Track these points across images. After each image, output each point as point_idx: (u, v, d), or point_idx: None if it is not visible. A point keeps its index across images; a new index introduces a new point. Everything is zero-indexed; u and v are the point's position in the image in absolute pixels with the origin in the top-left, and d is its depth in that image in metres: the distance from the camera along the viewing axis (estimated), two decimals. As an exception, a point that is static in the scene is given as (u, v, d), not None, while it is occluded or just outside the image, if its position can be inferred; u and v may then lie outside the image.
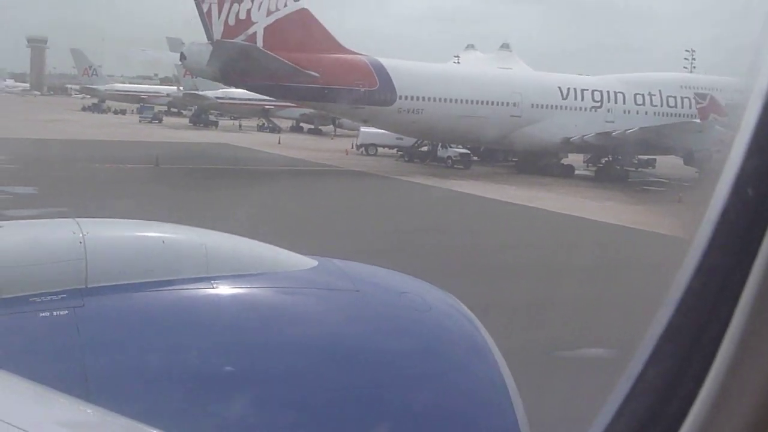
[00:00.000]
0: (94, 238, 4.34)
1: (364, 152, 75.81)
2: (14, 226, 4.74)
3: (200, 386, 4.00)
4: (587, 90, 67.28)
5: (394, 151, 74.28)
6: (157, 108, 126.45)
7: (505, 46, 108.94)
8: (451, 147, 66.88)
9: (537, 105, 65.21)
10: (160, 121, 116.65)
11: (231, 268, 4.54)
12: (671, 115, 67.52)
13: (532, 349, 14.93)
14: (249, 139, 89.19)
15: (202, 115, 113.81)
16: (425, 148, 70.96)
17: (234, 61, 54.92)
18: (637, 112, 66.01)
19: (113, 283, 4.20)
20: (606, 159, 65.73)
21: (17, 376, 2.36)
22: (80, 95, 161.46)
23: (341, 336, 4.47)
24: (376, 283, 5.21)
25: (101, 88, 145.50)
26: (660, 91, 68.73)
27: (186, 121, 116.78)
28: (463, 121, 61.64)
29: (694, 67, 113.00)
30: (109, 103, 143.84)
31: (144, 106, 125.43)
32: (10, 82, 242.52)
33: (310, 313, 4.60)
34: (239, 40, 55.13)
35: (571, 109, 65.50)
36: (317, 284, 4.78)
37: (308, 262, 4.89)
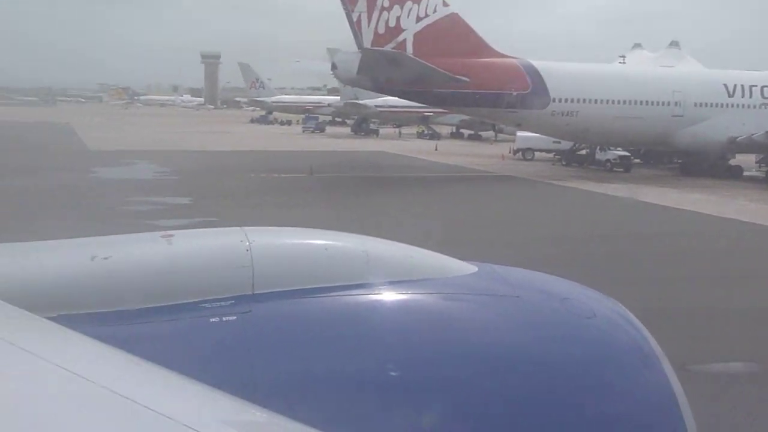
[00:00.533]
0: (259, 246, 4.50)
1: (521, 157, 74.51)
2: (184, 235, 4.82)
3: (364, 392, 4.06)
4: (756, 86, 63.30)
5: (552, 155, 72.59)
6: (322, 118, 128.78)
7: (674, 44, 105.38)
8: (610, 149, 64.64)
9: (700, 104, 61.94)
10: (323, 130, 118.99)
11: (392, 274, 4.59)
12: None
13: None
14: (407, 146, 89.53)
15: (363, 124, 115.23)
16: (583, 152, 68.95)
17: (382, 69, 54.93)
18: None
19: (279, 290, 4.33)
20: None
21: (188, 378, 2.43)
22: (250, 108, 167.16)
23: (502, 343, 4.40)
24: (538, 289, 5.09)
25: (268, 100, 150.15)
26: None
27: (348, 130, 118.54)
28: (621, 123, 59.32)
29: None
30: (276, 114, 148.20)
31: (308, 116, 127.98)
32: (186, 97, 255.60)
33: (471, 319, 4.54)
34: (389, 47, 55.15)
35: (738, 107, 61.93)
36: (478, 290, 4.72)
37: (468, 267, 4.89)
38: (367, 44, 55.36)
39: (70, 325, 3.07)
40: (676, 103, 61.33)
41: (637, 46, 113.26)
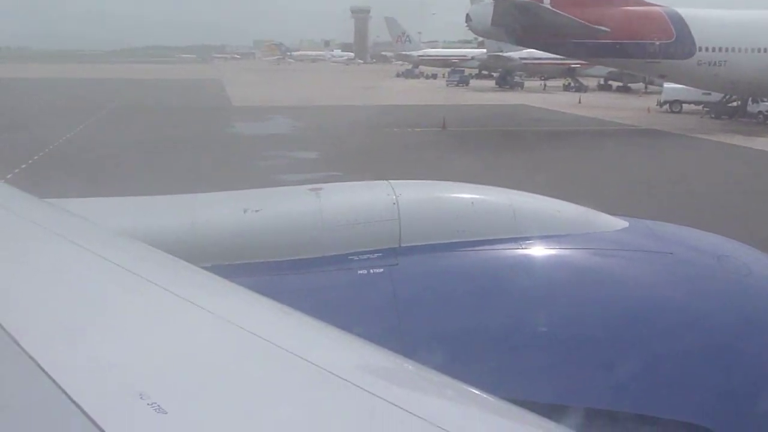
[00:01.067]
0: (406, 200, 4.51)
1: (668, 109, 71.29)
2: (332, 189, 4.88)
3: (510, 347, 4.04)
4: None
5: (701, 107, 69.07)
6: (468, 71, 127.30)
7: None
8: (763, 101, 60.87)
9: None
10: (467, 84, 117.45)
11: (540, 228, 4.52)
12: None
13: None
14: (549, 99, 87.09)
15: (507, 77, 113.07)
16: (734, 104, 65.23)
17: (516, 20, 53.36)
18: None
19: (425, 243, 4.36)
20: None
21: (337, 329, 2.46)
22: (398, 62, 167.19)
23: (654, 300, 4.30)
24: (692, 246, 4.95)
25: (414, 54, 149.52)
26: None
27: (493, 83, 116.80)
28: (775, 71, 55.49)
29: None
30: (422, 68, 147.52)
31: (453, 70, 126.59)
32: (337, 52, 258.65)
33: (622, 275, 4.47)
34: (528, -3, 53.59)
35: None
36: (629, 246, 4.62)
37: (619, 222, 4.78)
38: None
39: (223, 274, 3.12)
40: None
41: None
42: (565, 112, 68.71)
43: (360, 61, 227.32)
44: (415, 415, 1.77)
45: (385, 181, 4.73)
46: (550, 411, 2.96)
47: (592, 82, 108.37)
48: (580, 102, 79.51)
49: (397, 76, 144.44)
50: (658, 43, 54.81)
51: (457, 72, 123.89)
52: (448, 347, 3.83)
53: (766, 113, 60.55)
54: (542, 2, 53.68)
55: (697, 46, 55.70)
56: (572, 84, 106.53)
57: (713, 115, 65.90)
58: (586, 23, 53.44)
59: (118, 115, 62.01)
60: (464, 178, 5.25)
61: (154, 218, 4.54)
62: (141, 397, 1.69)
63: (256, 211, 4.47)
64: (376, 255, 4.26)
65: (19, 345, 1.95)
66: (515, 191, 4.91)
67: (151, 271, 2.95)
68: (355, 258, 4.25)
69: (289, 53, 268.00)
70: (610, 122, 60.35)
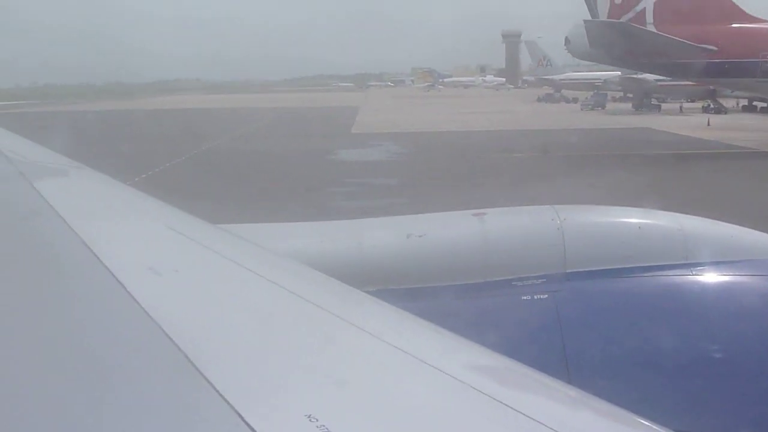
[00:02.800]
0: (571, 224, 4.49)
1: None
2: (496, 213, 4.95)
3: (678, 376, 3.93)
4: None
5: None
6: (611, 95, 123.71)
7: None
8: None
9: None
10: (603, 107, 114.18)
11: (711, 254, 4.39)
12: None
13: None
14: (678, 122, 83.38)
15: (645, 100, 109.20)
16: None
17: (612, 41, 51.49)
18: None
19: (591, 269, 4.31)
20: None
21: (502, 356, 2.51)
22: (543, 86, 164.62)
23: None
24: None
25: (556, 78, 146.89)
26: None
27: (630, 106, 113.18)
28: None
29: None
30: (565, 92, 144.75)
31: (597, 93, 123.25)
32: (489, 77, 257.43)
33: None
34: (627, 18, 51.76)
35: None
36: None
37: None
38: (603, 15, 52.40)
39: (388, 299, 3.17)
40: None
41: None
42: (687, 135, 65.34)
43: (510, 86, 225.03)
44: None
45: (549, 206, 4.73)
46: None
47: (733, 103, 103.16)
48: (709, 124, 75.87)
49: (538, 100, 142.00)
50: (769, 62, 51.57)
51: (601, 95, 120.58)
52: (612, 376, 3.81)
53: None
54: (644, 23, 51.84)
55: (816, 64, 52.00)
56: (712, 105, 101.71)
57: None
58: (688, 42, 50.99)
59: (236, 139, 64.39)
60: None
61: (320, 243, 4.64)
62: (309, 419, 1.75)
63: (420, 236, 4.52)
64: (540, 281, 4.23)
65: (193, 365, 2.01)
66: (685, 215, 4.82)
67: (320, 295, 3.02)
68: (519, 284, 4.24)
69: (441, 79, 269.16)
70: (729, 145, 57.21)
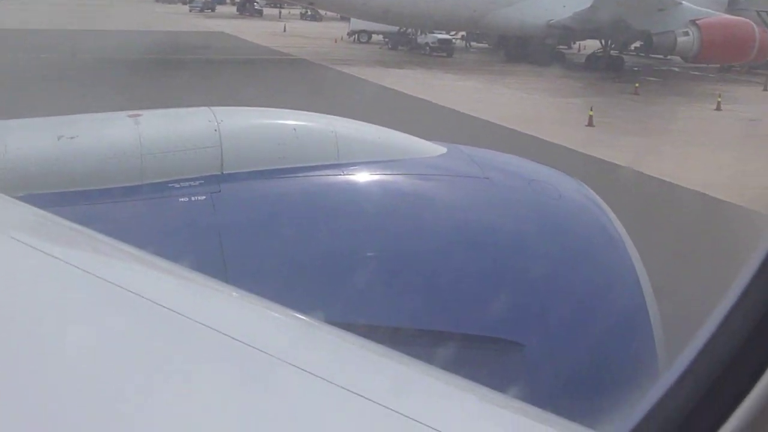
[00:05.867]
0: (228, 126, 4.47)
1: (356, 39, 70.34)
2: (153, 114, 4.77)
3: (330, 270, 4.05)
4: None
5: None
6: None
7: None
8: (432, 33, 60.68)
9: (517, -17, 57.11)
10: (213, 10, 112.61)
11: (361, 155, 4.57)
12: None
13: None
14: (263, 27, 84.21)
15: (247, 4, 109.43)
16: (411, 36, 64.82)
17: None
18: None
19: (247, 170, 4.33)
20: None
21: (159, 257, 2.43)
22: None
23: (471, 223, 4.45)
24: (506, 170, 5.13)
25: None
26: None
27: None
28: (426, 3, 54.65)
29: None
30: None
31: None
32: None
33: (440, 199, 4.55)
34: None
35: None
36: (447, 171, 4.74)
37: (438, 149, 4.89)
38: None
39: (38, 203, 3.06)
40: (490, -18, 56.52)
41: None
42: (247, 40, 65.95)
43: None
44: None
45: (206, 108, 4.67)
46: (369, 331, 2.83)
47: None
48: (285, 30, 77.29)
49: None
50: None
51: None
52: (269, 274, 3.88)
53: (431, 45, 60.53)
54: None
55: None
56: (309, 12, 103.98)
57: (390, 46, 65.48)
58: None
59: None
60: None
61: None
62: None
63: (72, 137, 4.34)
64: (197, 182, 4.19)
65: None
66: (339, 118, 4.95)
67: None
68: (176, 185, 4.17)
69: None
70: (278, 52, 58.14)
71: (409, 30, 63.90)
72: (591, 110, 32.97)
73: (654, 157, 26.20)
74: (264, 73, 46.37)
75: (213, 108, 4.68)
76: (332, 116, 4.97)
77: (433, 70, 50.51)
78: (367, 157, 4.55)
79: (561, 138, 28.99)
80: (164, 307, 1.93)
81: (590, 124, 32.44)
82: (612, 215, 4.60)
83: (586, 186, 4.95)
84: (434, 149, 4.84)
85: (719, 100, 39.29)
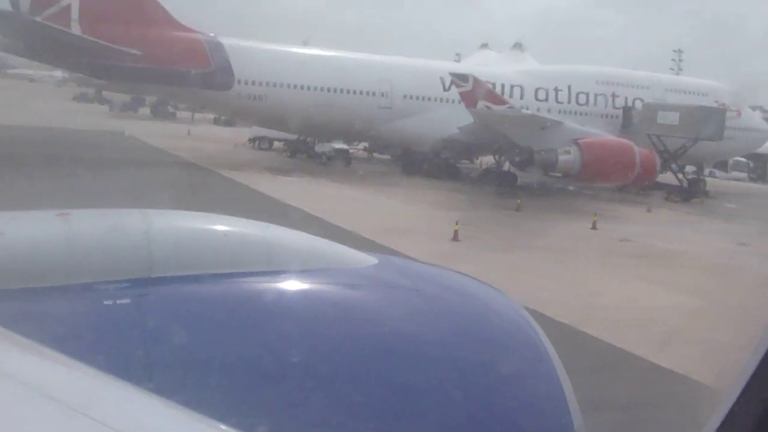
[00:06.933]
0: (158, 228, 4.37)
1: (256, 146, 69.68)
2: (82, 214, 4.57)
3: (260, 379, 3.95)
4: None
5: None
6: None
7: (518, 46, 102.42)
8: (329, 143, 60.37)
9: (411, 96, 57.39)
10: (135, 111, 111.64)
11: (293, 263, 4.53)
12: (579, 113, 59.45)
13: None
14: (167, 129, 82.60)
15: (160, 107, 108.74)
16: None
17: (35, 36, 48.83)
18: (538, 109, 57.32)
19: (176, 274, 4.21)
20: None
21: (79, 361, 2.39)
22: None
23: (399, 334, 4.38)
24: (435, 282, 5.14)
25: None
26: (569, 86, 60.53)
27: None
28: (319, 111, 54.25)
29: (681, 69, 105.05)
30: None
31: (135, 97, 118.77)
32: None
33: (370, 310, 4.55)
34: (50, 13, 49.10)
35: (454, 102, 55.55)
36: (377, 282, 4.74)
37: (369, 259, 4.89)
38: (25, 7, 49.44)
39: None
40: (382, 94, 56.64)
41: (484, 46, 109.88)
42: (145, 142, 64.50)
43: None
44: None
45: (137, 210, 4.56)
46: None
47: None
48: (189, 134, 76.29)
49: (75, 99, 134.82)
50: (193, 71, 52.02)
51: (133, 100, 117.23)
52: (194, 382, 3.70)
53: (328, 154, 60.09)
54: (69, 20, 49.67)
55: (236, 78, 53.56)
56: (222, 117, 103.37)
57: (289, 154, 64.90)
58: (112, 45, 49.70)
59: None
60: None
61: None
62: None
63: None
64: (124, 285, 4.01)
65: None
66: (272, 225, 4.85)
67: None
68: (101, 287, 3.96)
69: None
70: (170, 154, 56.74)
71: (309, 138, 63.43)
72: (457, 224, 32.20)
73: (502, 273, 25.23)
74: (140, 175, 44.90)
75: (144, 210, 4.62)
76: (266, 223, 4.92)
77: (320, 179, 49.73)
78: (299, 266, 4.52)
79: (418, 251, 27.92)
80: (83, 414, 1.88)
81: (455, 238, 31.60)
82: (540, 330, 4.63)
83: (515, 301, 5.00)
84: (366, 259, 4.85)
85: (595, 219, 39.10)
